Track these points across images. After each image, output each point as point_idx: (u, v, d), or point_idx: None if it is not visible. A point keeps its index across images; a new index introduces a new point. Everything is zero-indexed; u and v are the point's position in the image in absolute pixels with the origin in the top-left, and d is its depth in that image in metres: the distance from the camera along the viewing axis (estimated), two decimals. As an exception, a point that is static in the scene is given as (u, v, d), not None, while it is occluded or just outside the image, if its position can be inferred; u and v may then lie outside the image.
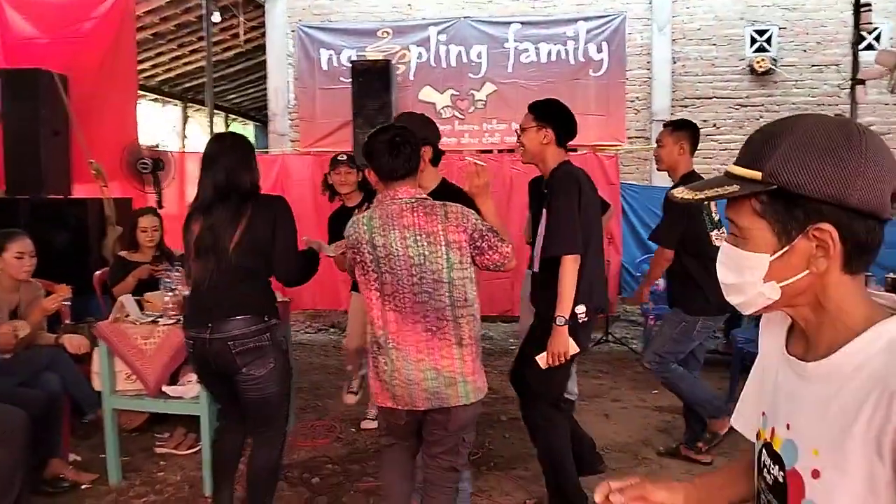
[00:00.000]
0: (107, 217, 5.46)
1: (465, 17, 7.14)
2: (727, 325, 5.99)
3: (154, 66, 9.29)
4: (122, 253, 4.40)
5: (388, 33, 7.25)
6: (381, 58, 6.87)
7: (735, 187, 0.91)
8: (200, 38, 8.43)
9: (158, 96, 10.17)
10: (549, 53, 7.04)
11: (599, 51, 6.94)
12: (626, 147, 6.97)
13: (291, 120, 7.37)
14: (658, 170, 3.67)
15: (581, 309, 2.79)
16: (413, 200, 2.28)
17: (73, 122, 5.90)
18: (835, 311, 0.90)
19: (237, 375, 2.57)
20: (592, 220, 2.91)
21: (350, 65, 6.89)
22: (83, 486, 3.41)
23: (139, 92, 10.33)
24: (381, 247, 2.24)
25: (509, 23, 7.08)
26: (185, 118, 10.92)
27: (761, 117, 6.83)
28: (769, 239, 0.90)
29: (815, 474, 0.86)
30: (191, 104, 10.88)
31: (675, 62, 6.86)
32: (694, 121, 6.07)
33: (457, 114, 7.24)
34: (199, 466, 3.62)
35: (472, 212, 2.33)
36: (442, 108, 7.22)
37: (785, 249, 0.89)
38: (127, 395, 3.48)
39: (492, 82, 7.13)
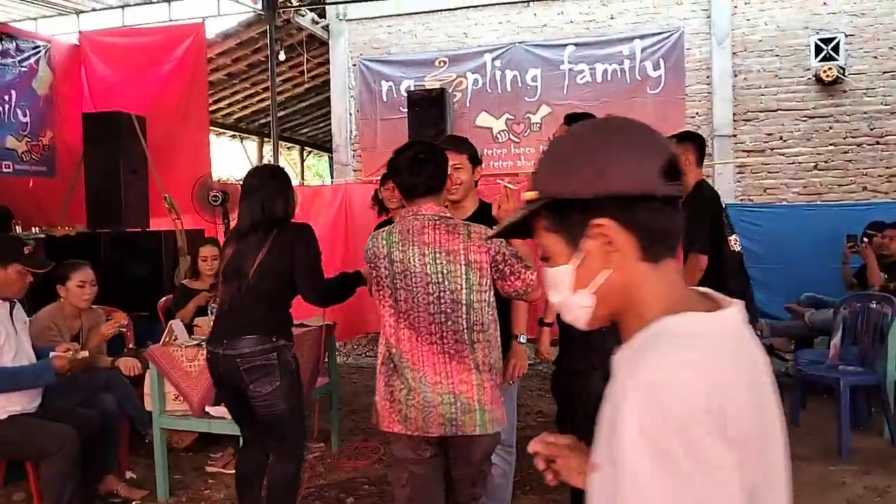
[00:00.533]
0: (179, 248, 5.80)
1: (520, 43, 7.21)
2: (796, 346, 5.72)
3: (230, 105, 9.85)
4: (185, 281, 4.67)
5: (444, 62, 7.40)
6: (437, 86, 7.02)
7: (521, 212, 0.93)
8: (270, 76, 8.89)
9: (237, 133, 10.75)
10: (605, 73, 6.99)
11: (657, 68, 6.83)
12: (686, 164, 6.80)
13: (354, 150, 7.62)
14: None
15: None
16: (436, 218, 2.23)
17: (150, 160, 6.33)
18: (636, 302, 0.88)
19: (246, 391, 2.71)
20: None
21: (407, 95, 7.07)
22: (133, 502, 3.62)
23: (218, 129, 10.97)
24: (399, 262, 2.20)
25: (564, 45, 7.09)
26: (261, 153, 11.49)
27: (830, 128, 6.53)
28: (564, 250, 0.90)
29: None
30: (267, 139, 11.45)
31: (735, 75, 6.67)
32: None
33: (512, 137, 7.29)
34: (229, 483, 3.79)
35: None
36: (498, 133, 7.28)
37: (579, 255, 0.89)
38: (174, 416, 3.68)
39: (547, 104, 7.14)
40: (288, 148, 12.59)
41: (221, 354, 2.73)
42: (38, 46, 6.74)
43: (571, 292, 0.90)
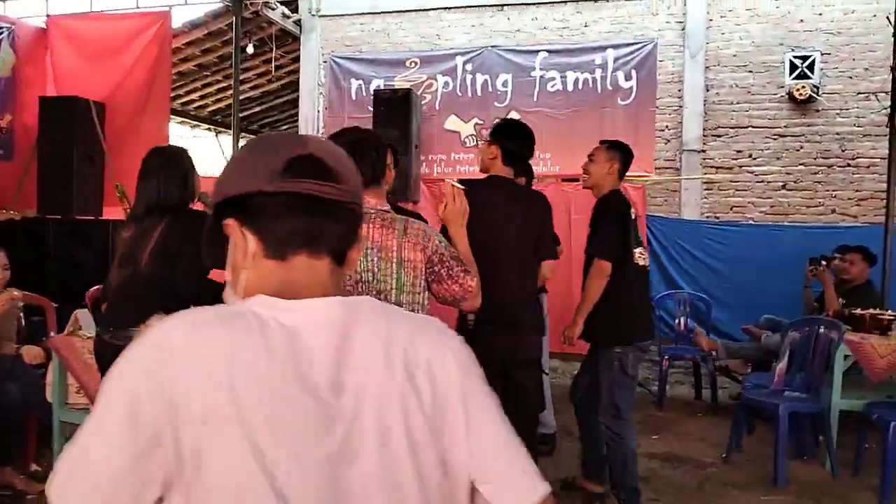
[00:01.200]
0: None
1: (492, 47, 7.09)
2: (753, 369, 5.58)
3: (203, 97, 9.74)
4: (116, 271, 4.52)
5: (415, 63, 7.28)
6: (406, 87, 6.89)
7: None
8: (244, 70, 8.76)
9: (212, 126, 10.64)
10: (577, 81, 6.86)
11: (628, 78, 6.70)
12: (654, 178, 6.67)
13: (320, 147, 7.48)
14: (583, 185, 3.59)
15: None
16: (373, 211, 2.07)
17: (105, 148, 6.20)
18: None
19: None
20: None
21: (375, 94, 6.94)
22: (29, 497, 3.46)
23: (192, 122, 10.86)
24: None
25: (536, 51, 6.96)
26: (235, 147, 11.38)
27: (801, 148, 6.40)
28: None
29: None
30: (243, 134, 11.35)
31: (708, 90, 6.55)
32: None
33: (480, 143, 7.15)
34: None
35: (437, 233, 2.16)
36: (466, 137, 7.15)
37: (229, 259, 0.93)
38: (75, 409, 3.53)
39: (516, 111, 7.00)
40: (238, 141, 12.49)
41: (108, 341, 2.63)
42: (1, 28, 6.60)
43: (233, 296, 0.93)
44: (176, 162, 2.75)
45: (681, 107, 6.58)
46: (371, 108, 7.05)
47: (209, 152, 10.82)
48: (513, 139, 2.98)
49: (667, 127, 6.65)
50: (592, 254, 3.24)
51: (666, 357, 5.79)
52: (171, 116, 10.63)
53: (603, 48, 6.79)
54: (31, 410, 3.64)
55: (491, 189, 2.88)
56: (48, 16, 7.11)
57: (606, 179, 3.38)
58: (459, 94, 7.18)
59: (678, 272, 6.49)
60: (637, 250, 3.33)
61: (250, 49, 7.58)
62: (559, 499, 3.68)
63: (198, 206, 2.84)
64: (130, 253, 2.64)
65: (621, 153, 3.41)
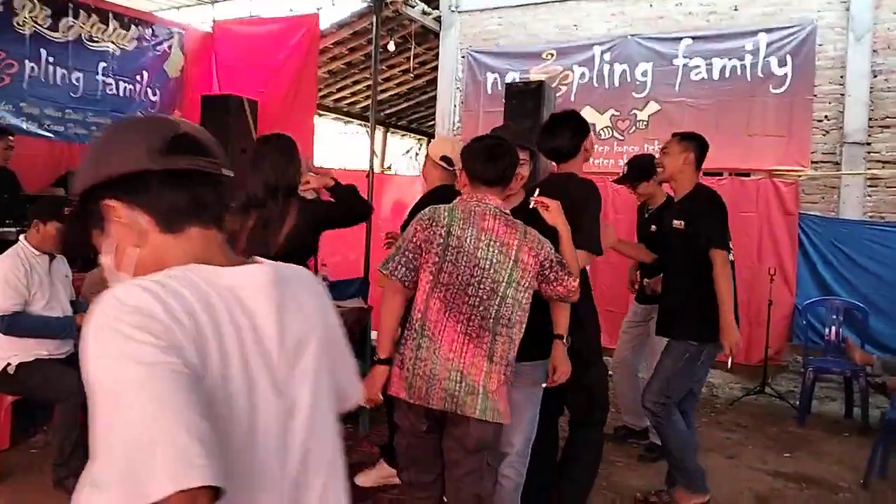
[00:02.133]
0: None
1: (632, 36, 6.78)
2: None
3: (353, 94, 10.17)
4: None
5: (552, 55, 7.14)
6: (541, 78, 6.78)
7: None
8: (391, 67, 9.07)
9: (363, 122, 11.08)
10: (724, 69, 6.38)
11: (782, 65, 6.13)
12: (809, 172, 6.06)
13: (456, 142, 7.57)
14: (658, 179, 3.68)
15: None
16: (497, 210, 2.32)
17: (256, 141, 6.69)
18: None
19: None
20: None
21: (509, 87, 6.90)
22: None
23: (345, 118, 11.39)
24: (455, 237, 2.25)
25: (680, 38, 6.56)
26: (385, 142, 11.79)
27: None
28: (103, 241, 0.96)
29: None
30: (393, 130, 11.73)
31: (875, 76, 5.82)
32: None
33: (616, 134, 6.88)
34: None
35: (548, 242, 2.38)
36: (601, 129, 6.91)
37: (110, 240, 0.95)
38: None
39: (656, 101, 6.66)
40: (402, 136, 12.81)
41: None
42: (172, 32, 7.33)
43: (117, 274, 0.96)
44: (285, 147, 2.92)
45: (842, 95, 5.90)
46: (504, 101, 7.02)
47: (361, 147, 11.31)
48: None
49: (826, 117, 6.00)
50: (709, 246, 3.13)
51: (810, 369, 5.28)
52: (325, 113, 11.27)
53: (754, 33, 6.27)
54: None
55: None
56: (214, 21, 7.79)
57: (683, 172, 3.31)
58: (596, 84, 6.95)
59: (834, 277, 5.86)
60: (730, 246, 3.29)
61: (391, 47, 7.82)
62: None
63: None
64: (261, 237, 2.77)
65: (693, 142, 3.34)
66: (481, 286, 2.23)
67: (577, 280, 2.36)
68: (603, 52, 6.92)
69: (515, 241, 2.28)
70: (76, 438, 3.26)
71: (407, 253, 2.30)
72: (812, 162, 6.07)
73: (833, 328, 5.51)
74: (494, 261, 2.25)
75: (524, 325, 2.33)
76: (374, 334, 4.23)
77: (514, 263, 2.26)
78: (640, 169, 4.11)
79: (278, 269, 0.96)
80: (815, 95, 6.05)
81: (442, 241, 2.25)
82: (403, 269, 2.30)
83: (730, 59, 6.36)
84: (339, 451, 1.01)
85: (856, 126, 5.85)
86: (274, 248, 2.72)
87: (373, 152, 6.82)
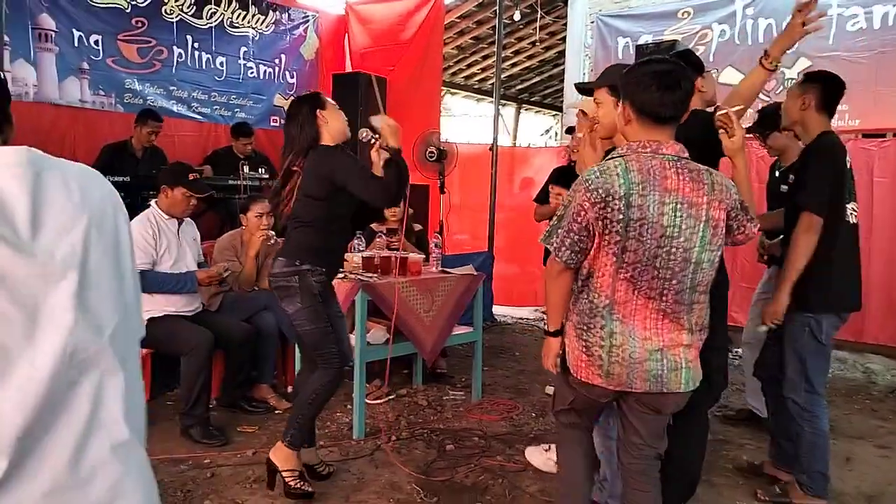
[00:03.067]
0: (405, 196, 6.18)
1: (779, -15, 6.19)
2: None
3: (483, 70, 10.08)
4: (373, 225, 4.97)
5: (688, 13, 6.67)
6: (670, 39, 6.37)
7: None
8: (520, 39, 8.90)
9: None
10: (886, 17, 5.66)
11: (960, 6, 5.35)
12: None
13: (584, 112, 7.29)
14: (781, 127, 3.21)
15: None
16: (676, 159, 1.98)
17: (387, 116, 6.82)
18: None
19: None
20: None
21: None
22: (277, 412, 4.00)
23: (477, 96, 11.33)
24: (637, 207, 1.93)
25: (835, -16, 5.91)
26: (517, 119, 11.59)
27: None
28: None
29: None
30: (527, 106, 11.48)
31: None
32: None
33: (762, 95, 6.30)
34: (374, 414, 3.97)
35: (733, 184, 2.11)
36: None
37: None
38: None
39: (807, 57, 6.04)
40: (536, 113, 12.51)
41: (269, 274, 2.98)
42: (307, 16, 7.63)
43: None
44: (303, 104, 2.94)
45: None
46: (637, 67, 6.68)
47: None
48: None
49: None
50: (801, 206, 2.81)
51: None
52: (456, 91, 11.30)
53: (924, -28, 5.52)
54: (285, 337, 4.19)
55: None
56: (347, 3, 8.02)
57: (806, 117, 2.91)
58: (738, 42, 6.43)
59: None
60: (850, 206, 2.92)
61: (517, 16, 7.66)
62: (739, 486, 3.26)
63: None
64: (277, 194, 3.01)
65: (818, 85, 2.90)
66: (671, 258, 1.95)
67: (757, 225, 2.11)
68: (745, 7, 6.38)
69: (704, 197, 1.96)
70: (200, 389, 3.49)
71: (572, 234, 2.00)
72: None
73: None
74: (684, 227, 1.94)
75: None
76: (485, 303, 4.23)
77: (706, 224, 1.97)
78: (768, 116, 3.68)
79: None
80: None
81: (622, 216, 1.92)
82: (569, 251, 2.02)
83: (893, 4, 5.64)
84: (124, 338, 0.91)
85: None
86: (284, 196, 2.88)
87: (496, 127, 6.75)
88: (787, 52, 2.78)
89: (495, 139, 6.64)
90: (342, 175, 2.77)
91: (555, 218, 2.08)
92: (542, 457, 3.38)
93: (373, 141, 3.02)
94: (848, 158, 2.90)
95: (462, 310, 4.18)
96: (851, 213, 2.91)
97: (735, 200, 2.04)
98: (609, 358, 2.02)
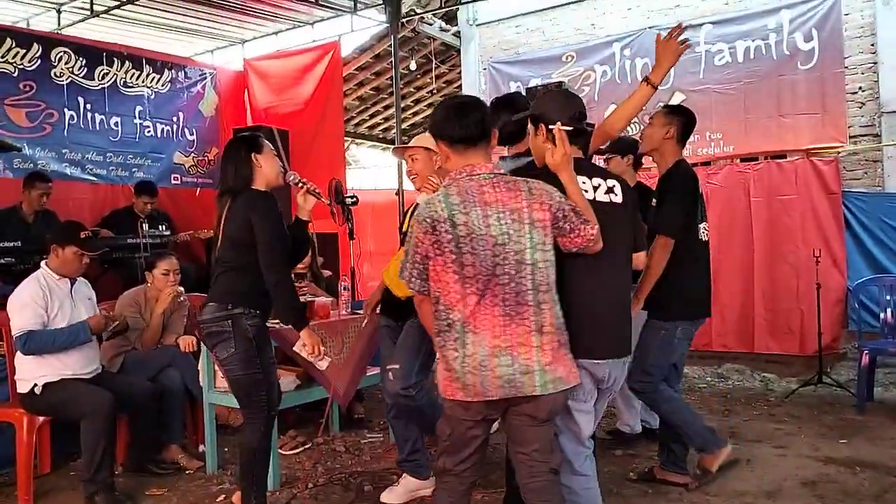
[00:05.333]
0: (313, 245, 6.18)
1: (650, 28, 6.69)
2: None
3: (386, 119, 10.31)
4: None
5: (572, 56, 7.11)
6: (555, 81, 6.75)
7: None
8: (418, 88, 9.18)
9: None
10: (748, 51, 6.23)
11: (808, 39, 5.93)
12: (848, 148, 5.80)
13: (484, 153, 7.56)
14: (640, 152, 3.63)
15: None
16: (492, 175, 2.14)
17: (290, 168, 6.84)
18: None
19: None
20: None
21: (530, 93, 6.89)
22: (187, 472, 3.87)
23: (381, 145, 11.54)
24: (462, 225, 2.08)
25: (700, 24, 6.44)
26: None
27: None
28: None
29: None
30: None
31: (909, 39, 5.57)
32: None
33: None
34: (290, 464, 3.90)
35: (556, 190, 2.22)
36: (629, 126, 6.79)
37: None
38: (221, 391, 3.89)
39: (681, 91, 6.53)
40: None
41: (197, 321, 2.94)
42: (205, 73, 7.62)
43: None
44: (234, 146, 2.99)
45: (875, 63, 5.65)
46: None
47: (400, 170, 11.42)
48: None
49: (860, 89, 5.75)
50: (656, 230, 3.12)
51: (865, 352, 4.96)
52: (361, 141, 11.48)
53: (776, 10, 6.11)
54: (192, 394, 4.09)
55: None
56: (245, 59, 8.08)
57: (665, 146, 3.25)
58: (619, 81, 6.88)
59: (885, 254, 5.57)
60: (702, 225, 3.28)
61: (413, 66, 7.93)
62: (648, 494, 3.44)
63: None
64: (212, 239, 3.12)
65: (678, 116, 3.27)
66: (507, 262, 2.08)
67: (597, 227, 2.21)
68: (622, 49, 6.85)
69: (524, 202, 2.12)
70: (102, 453, 3.35)
71: (416, 265, 2.17)
72: (850, 136, 5.83)
73: (889, 309, 5.19)
74: (511, 232, 2.09)
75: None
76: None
77: (531, 226, 2.11)
78: (616, 142, 3.92)
79: None
80: (847, 67, 5.83)
81: (451, 236, 2.08)
82: (418, 280, 2.19)
83: (753, 40, 6.22)
84: None
85: (893, 94, 5.59)
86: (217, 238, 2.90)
87: (401, 173, 6.89)
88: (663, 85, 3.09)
89: (401, 185, 6.78)
90: (258, 229, 2.76)
91: (403, 253, 2.25)
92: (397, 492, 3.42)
93: (300, 185, 3.05)
94: (699, 185, 3.29)
95: (374, 351, 4.19)
96: (704, 232, 3.28)
97: (559, 202, 2.16)
98: (463, 368, 2.09)
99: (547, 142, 2.35)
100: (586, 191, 2.32)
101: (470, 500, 2.36)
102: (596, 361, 2.32)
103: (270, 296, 2.84)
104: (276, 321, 3.80)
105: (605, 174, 2.45)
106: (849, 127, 5.78)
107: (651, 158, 3.45)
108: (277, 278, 2.80)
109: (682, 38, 2.86)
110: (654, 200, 3.33)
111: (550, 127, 2.33)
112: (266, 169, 2.92)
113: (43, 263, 3.60)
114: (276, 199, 2.93)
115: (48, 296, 3.46)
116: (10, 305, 3.46)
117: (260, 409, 2.89)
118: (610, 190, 2.40)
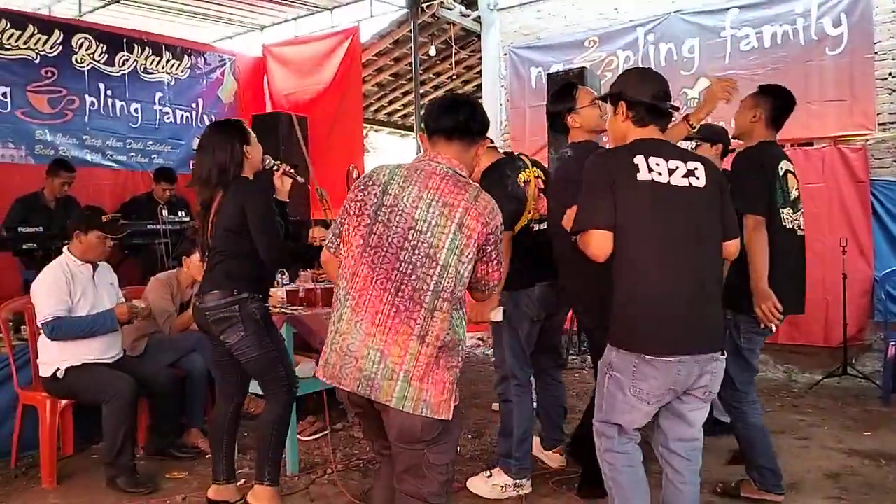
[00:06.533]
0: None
1: (675, 12, 6.57)
2: None
3: (405, 106, 10.26)
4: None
5: (594, 42, 6.99)
6: (578, 67, 6.65)
7: None
8: (438, 74, 9.12)
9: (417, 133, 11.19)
10: (775, 36, 6.08)
11: (837, 24, 5.77)
12: (877, 135, 5.66)
13: (504, 139, 7.51)
14: (732, 136, 3.31)
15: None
16: (450, 170, 2.06)
17: (307, 156, 6.84)
18: None
19: (221, 341, 2.88)
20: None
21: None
22: (207, 456, 3.88)
23: (400, 132, 11.49)
24: (392, 195, 2.00)
25: (726, 9, 6.30)
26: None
27: None
28: None
29: None
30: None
31: (942, 23, 5.41)
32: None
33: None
34: (308, 450, 3.91)
35: (501, 216, 2.11)
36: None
37: None
38: (240, 378, 3.89)
39: (706, 77, 6.38)
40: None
41: (197, 307, 2.93)
42: (224, 59, 7.63)
43: None
44: (222, 131, 2.99)
45: (907, 48, 5.51)
46: (550, 95, 6.92)
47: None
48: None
49: (890, 75, 5.60)
50: (740, 210, 2.77)
51: (892, 343, 4.88)
52: (380, 127, 11.43)
53: (805, -6, 5.95)
54: (214, 379, 4.09)
55: None
56: (263, 45, 8.06)
57: (754, 129, 3.07)
58: (642, 66, 6.75)
59: (913, 244, 5.44)
60: (785, 211, 3.00)
61: (433, 52, 7.86)
62: None
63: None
64: (198, 226, 3.05)
65: (769, 99, 3.07)
66: (416, 251, 1.95)
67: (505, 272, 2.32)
68: (646, 34, 6.72)
69: (462, 202, 1.98)
70: (124, 437, 3.37)
71: (339, 217, 2.10)
72: (879, 124, 5.68)
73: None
74: (434, 223, 1.96)
75: (464, 304, 2.07)
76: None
77: (458, 228, 1.96)
78: (705, 130, 3.81)
79: None
80: (876, 53, 5.67)
81: (376, 200, 2.00)
82: (331, 234, 2.12)
83: (780, 24, 6.05)
84: None
85: (925, 80, 5.44)
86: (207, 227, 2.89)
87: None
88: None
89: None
90: (252, 216, 2.79)
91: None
92: (486, 485, 3.29)
93: (275, 168, 3.12)
94: (783, 165, 3.01)
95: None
96: (788, 219, 3.03)
97: (497, 228, 2.05)
98: (331, 345, 1.99)
99: (627, 120, 2.30)
100: (660, 173, 2.19)
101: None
102: (663, 359, 2.14)
103: (269, 277, 3.05)
104: (296, 307, 3.82)
105: (686, 156, 2.28)
106: (877, 114, 5.64)
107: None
108: (279, 255, 2.90)
109: (731, 87, 2.86)
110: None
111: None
112: (254, 158, 2.98)
113: (65, 249, 3.62)
114: (268, 185, 2.98)
115: (71, 281, 3.48)
116: (34, 291, 3.50)
117: (282, 385, 2.94)
118: (690, 173, 2.23)
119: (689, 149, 3.82)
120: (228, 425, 3.09)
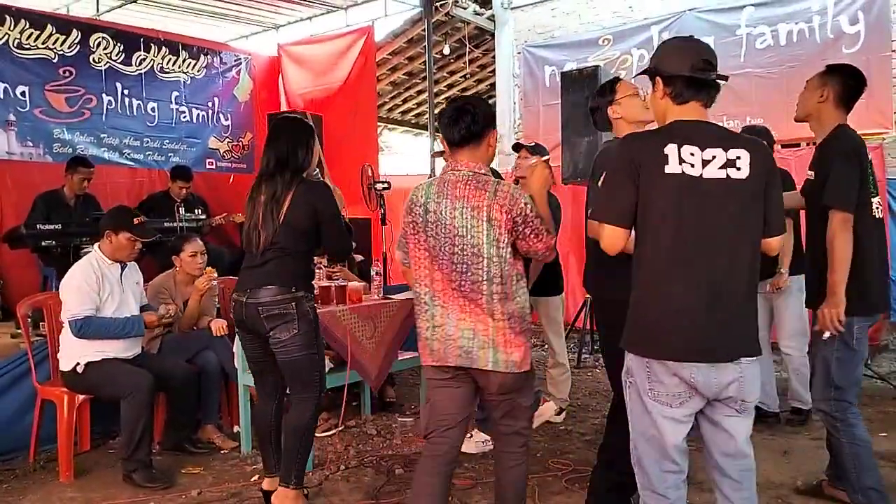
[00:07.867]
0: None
1: (689, 10, 6.55)
2: None
3: (418, 105, 10.28)
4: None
5: (608, 40, 6.99)
6: (595, 65, 6.65)
7: None
8: (452, 73, 9.13)
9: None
10: (790, 34, 6.06)
11: (854, 22, 5.75)
12: (894, 134, 5.63)
13: (517, 138, 7.49)
14: (794, 118, 2.97)
15: None
16: (469, 174, 2.41)
17: (322, 154, 6.87)
18: None
19: (267, 337, 2.90)
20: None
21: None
22: (222, 451, 3.93)
23: (414, 130, 11.52)
24: (432, 212, 2.41)
25: (741, 7, 6.29)
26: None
27: None
28: None
29: None
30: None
31: (960, 21, 5.36)
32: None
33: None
34: (321, 446, 3.94)
35: (524, 196, 2.41)
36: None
37: None
38: (255, 373, 3.93)
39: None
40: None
41: (244, 302, 2.91)
42: (240, 59, 7.68)
43: None
44: (300, 127, 3.02)
45: (924, 46, 5.48)
46: (563, 93, 6.92)
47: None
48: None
49: (908, 72, 5.58)
50: (828, 204, 2.62)
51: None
52: (394, 126, 11.47)
53: (821, -8, 5.92)
54: (228, 376, 4.14)
55: None
56: (279, 44, 8.11)
57: (821, 110, 2.80)
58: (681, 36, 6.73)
59: (931, 243, 5.37)
60: (875, 200, 2.78)
61: (446, 50, 7.88)
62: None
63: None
64: (262, 221, 2.90)
65: (837, 78, 2.82)
66: (464, 253, 2.37)
67: (555, 239, 2.45)
68: (661, 32, 6.71)
69: (485, 201, 2.35)
70: (141, 432, 3.42)
71: (401, 238, 2.55)
72: (896, 122, 5.64)
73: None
74: (469, 226, 2.36)
75: (524, 276, 2.45)
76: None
77: (489, 223, 2.35)
78: (745, 130, 3.73)
79: None
80: (893, 51, 5.64)
81: (422, 219, 2.43)
82: (400, 252, 2.58)
83: (796, 22, 6.04)
84: None
85: (944, 78, 5.39)
86: (276, 222, 2.84)
87: (433, 159, 6.88)
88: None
89: (433, 171, 6.77)
90: (325, 215, 2.88)
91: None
92: (473, 445, 3.74)
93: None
94: (867, 152, 2.78)
95: (406, 335, 4.20)
96: (877, 208, 2.79)
97: (523, 208, 2.35)
98: (432, 336, 2.43)
99: (665, 98, 2.05)
100: (692, 164, 1.95)
101: (449, 482, 2.56)
102: (677, 363, 1.98)
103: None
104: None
105: (729, 143, 1.99)
106: (894, 112, 5.60)
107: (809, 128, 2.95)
108: (349, 245, 3.12)
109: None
110: (811, 173, 2.83)
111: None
112: (316, 159, 3.04)
113: (96, 247, 3.67)
114: (331, 191, 3.03)
115: (100, 279, 3.53)
116: (63, 288, 3.55)
117: (314, 389, 2.96)
118: (730, 163, 1.96)
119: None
120: (273, 421, 3.11)
